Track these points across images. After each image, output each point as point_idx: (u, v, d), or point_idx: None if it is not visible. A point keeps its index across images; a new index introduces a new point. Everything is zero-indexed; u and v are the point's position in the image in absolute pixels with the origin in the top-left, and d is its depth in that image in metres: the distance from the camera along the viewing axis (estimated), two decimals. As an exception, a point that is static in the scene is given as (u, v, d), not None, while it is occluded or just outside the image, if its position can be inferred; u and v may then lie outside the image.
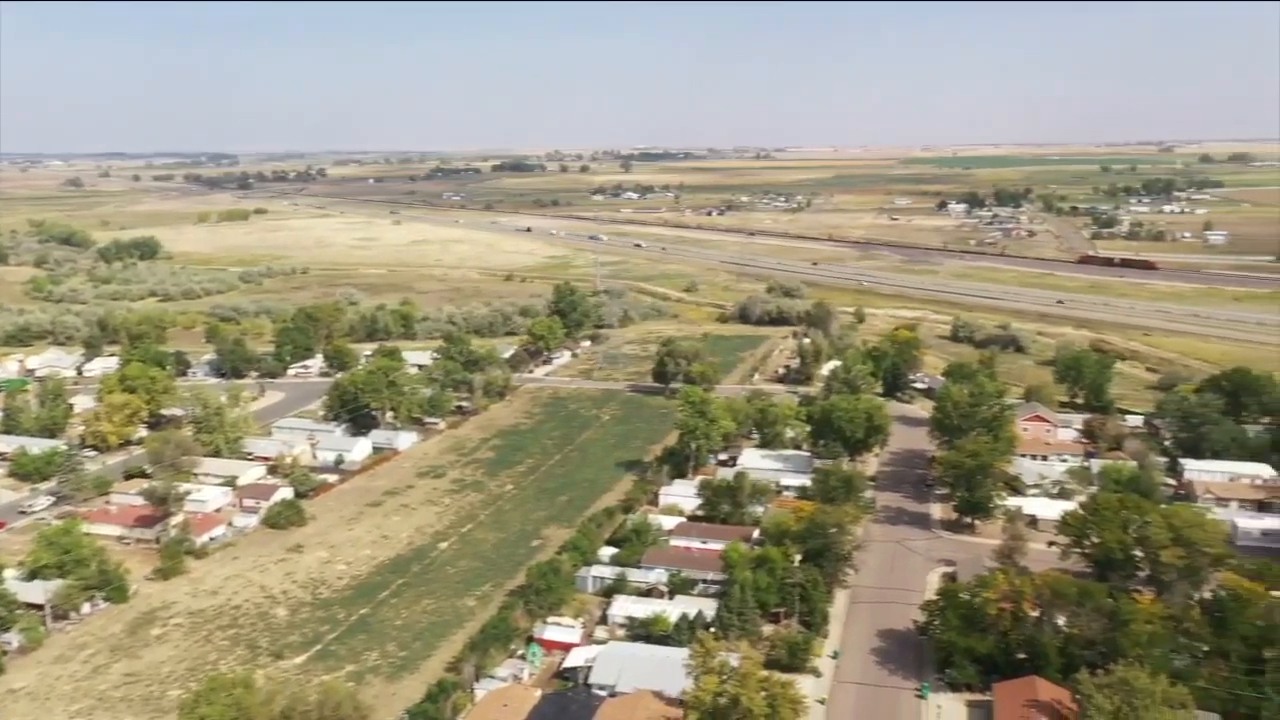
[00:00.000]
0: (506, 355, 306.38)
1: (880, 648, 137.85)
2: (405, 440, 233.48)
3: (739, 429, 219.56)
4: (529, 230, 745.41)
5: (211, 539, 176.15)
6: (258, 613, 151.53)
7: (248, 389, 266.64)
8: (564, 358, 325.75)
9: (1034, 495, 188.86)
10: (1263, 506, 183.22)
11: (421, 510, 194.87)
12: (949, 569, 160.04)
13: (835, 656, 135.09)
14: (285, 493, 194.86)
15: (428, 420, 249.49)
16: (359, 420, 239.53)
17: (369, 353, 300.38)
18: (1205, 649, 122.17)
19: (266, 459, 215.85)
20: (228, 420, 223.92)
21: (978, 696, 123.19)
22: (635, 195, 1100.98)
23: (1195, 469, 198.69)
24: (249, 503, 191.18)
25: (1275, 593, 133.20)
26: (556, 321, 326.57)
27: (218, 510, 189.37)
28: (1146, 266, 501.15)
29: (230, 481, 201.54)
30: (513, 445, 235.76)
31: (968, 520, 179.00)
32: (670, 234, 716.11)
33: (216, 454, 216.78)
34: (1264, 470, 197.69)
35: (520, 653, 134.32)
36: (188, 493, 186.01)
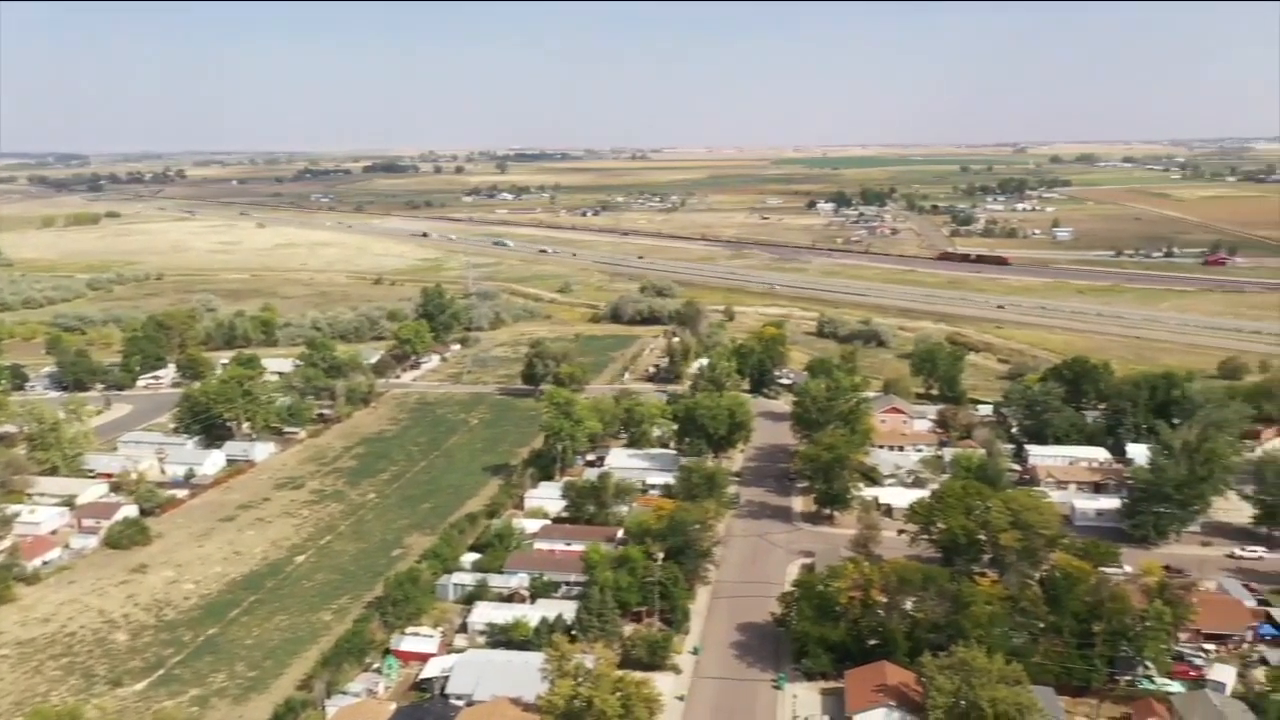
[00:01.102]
0: (372, 360, 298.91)
1: (740, 641, 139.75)
2: (262, 451, 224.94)
3: (606, 429, 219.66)
4: (425, 235, 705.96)
5: (45, 563, 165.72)
6: (95, 639, 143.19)
7: (92, 402, 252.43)
8: (432, 362, 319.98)
9: (890, 485, 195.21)
10: (1098, 488, 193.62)
11: (278, 523, 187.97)
12: (808, 560, 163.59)
13: (696, 652, 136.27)
14: (129, 511, 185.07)
15: (287, 430, 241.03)
16: (212, 432, 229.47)
17: (226, 361, 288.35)
18: (1042, 626, 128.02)
19: (109, 476, 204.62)
20: (65, 436, 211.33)
21: (832, 684, 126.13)
22: (510, 196, 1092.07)
23: (1039, 454, 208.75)
24: (89, 523, 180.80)
25: (1107, 569, 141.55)
26: (424, 325, 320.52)
27: (53, 532, 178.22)
28: (1000, 262, 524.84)
29: (68, 501, 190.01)
30: (376, 453, 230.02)
31: (827, 512, 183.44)
32: (543, 234, 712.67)
33: (54, 472, 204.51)
34: (1100, 454, 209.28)
35: (376, 666, 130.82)
36: (16, 514, 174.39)
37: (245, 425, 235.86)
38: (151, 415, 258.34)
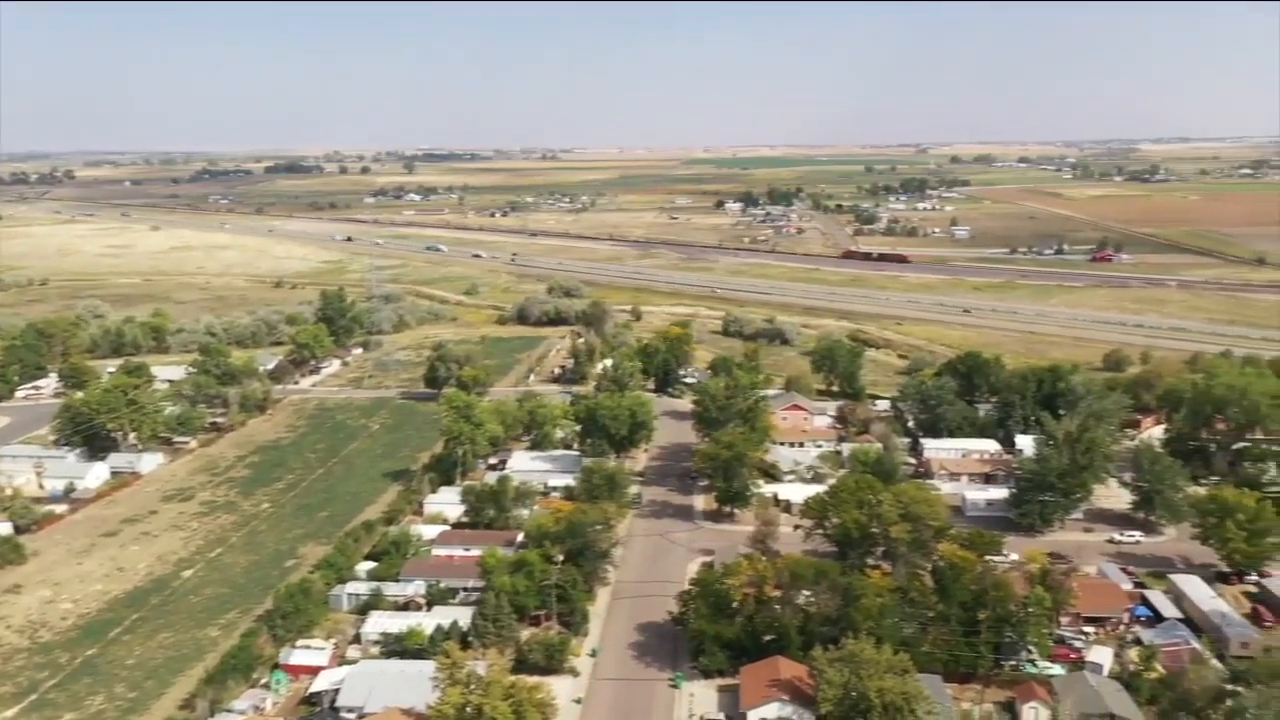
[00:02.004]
0: (269, 366, 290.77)
1: (639, 641, 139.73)
2: (149, 463, 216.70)
3: (508, 432, 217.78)
4: (349, 239, 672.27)
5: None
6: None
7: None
8: (333, 367, 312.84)
9: (790, 481, 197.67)
10: (988, 479, 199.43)
11: (165, 537, 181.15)
12: (708, 558, 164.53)
13: (594, 654, 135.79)
14: (2, 528, 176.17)
15: (177, 440, 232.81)
16: (96, 444, 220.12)
17: (113, 370, 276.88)
18: (931, 615, 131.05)
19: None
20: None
21: (729, 681, 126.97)
22: (418, 197, 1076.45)
23: (933, 447, 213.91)
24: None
25: (993, 558, 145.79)
26: (323, 329, 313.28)
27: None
28: (900, 260, 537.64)
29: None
30: (272, 461, 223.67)
31: (728, 510, 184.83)
32: (451, 235, 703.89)
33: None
34: (991, 445, 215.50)
35: (264, 682, 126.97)
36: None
37: (131, 436, 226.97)
38: (31, 427, 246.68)
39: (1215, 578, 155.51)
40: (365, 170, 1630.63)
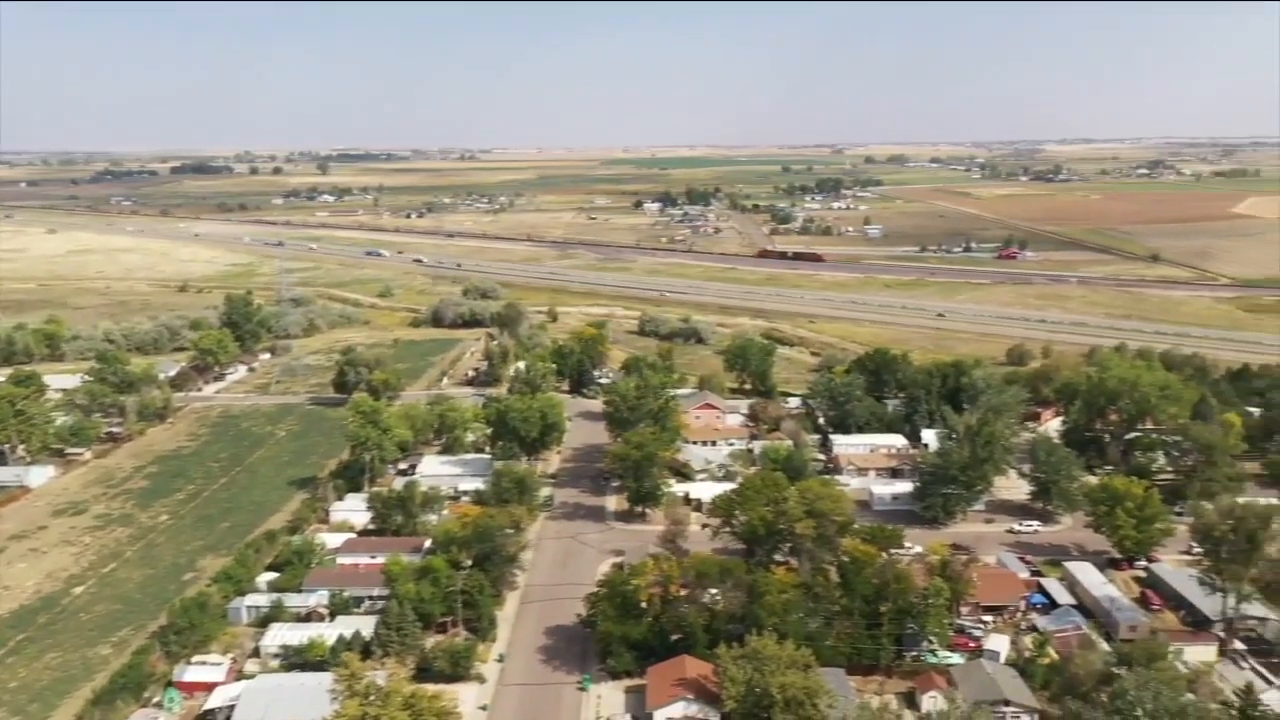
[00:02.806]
0: (171, 374, 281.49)
1: (547, 645, 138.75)
2: (39, 475, 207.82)
3: (418, 436, 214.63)
4: (280, 244, 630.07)
5: None
6: None
7: None
8: (239, 373, 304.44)
9: (702, 480, 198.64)
10: (894, 473, 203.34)
11: (55, 553, 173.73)
12: (619, 559, 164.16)
13: (501, 660, 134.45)
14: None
15: (70, 451, 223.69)
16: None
17: (1, 379, 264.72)
18: (835, 610, 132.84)
19: None
20: None
21: (636, 682, 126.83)
22: (332, 198, 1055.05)
23: (842, 443, 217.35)
24: None
25: (896, 551, 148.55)
26: (227, 334, 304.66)
27: None
28: (815, 259, 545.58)
29: None
30: (171, 471, 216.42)
31: (639, 510, 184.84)
32: (366, 237, 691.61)
33: None
34: (898, 440, 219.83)
35: (156, 700, 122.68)
36: None
37: (20, 448, 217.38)
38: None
39: (1107, 564, 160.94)
40: (277, 171, 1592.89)
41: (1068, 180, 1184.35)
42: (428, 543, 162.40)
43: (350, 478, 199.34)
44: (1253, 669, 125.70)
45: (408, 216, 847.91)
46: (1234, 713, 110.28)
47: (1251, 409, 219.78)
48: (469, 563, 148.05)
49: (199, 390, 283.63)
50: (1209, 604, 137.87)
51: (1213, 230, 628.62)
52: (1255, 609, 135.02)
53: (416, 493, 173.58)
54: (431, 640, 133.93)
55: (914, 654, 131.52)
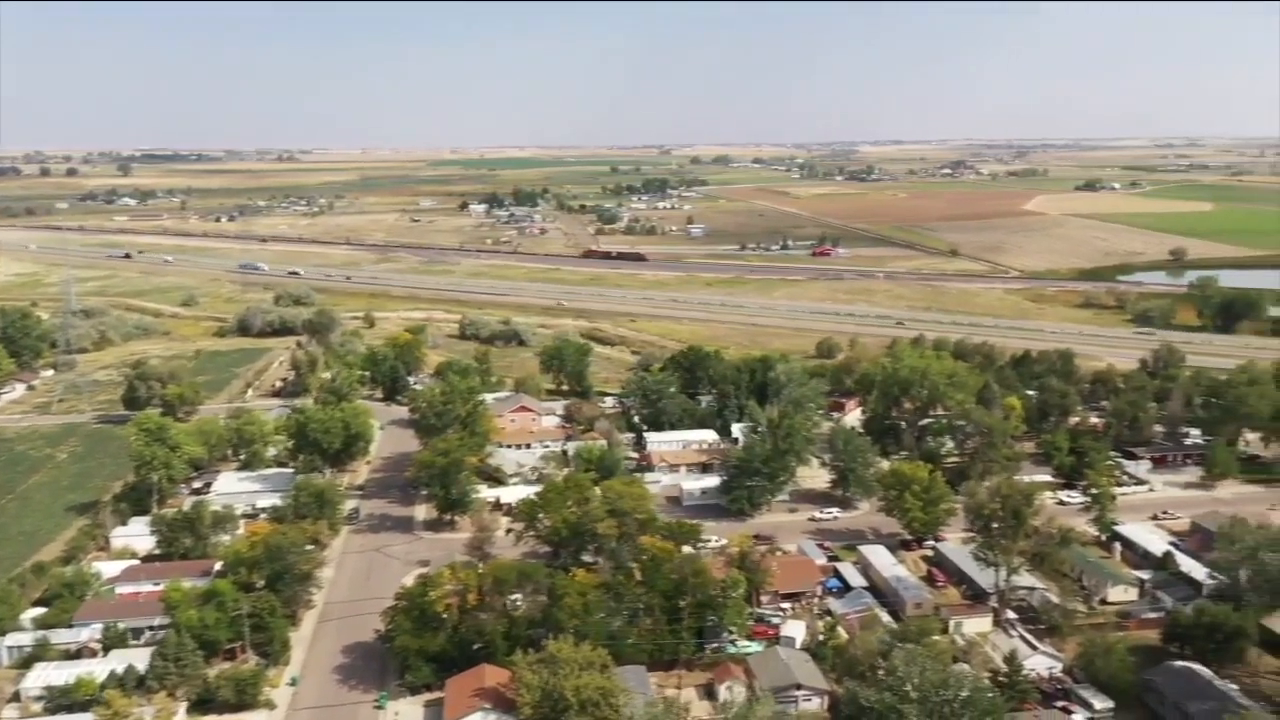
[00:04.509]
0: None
1: (345, 664, 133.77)
2: None
3: (213, 453, 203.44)
4: (128, 256, 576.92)
5: None
6: None
7: None
8: (15, 391, 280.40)
9: (515, 484, 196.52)
10: (705, 468, 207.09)
11: None
12: (425, 570, 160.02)
13: (294, 683, 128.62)
14: None
15: None
16: None
17: None
18: (638, 607, 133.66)
19: None
20: None
21: (436, 695, 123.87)
22: (133, 201, 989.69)
23: (655, 440, 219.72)
24: None
25: (700, 545, 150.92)
26: (0, 350, 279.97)
27: None
28: (638, 258, 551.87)
29: None
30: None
31: (449, 518, 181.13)
32: (172, 244, 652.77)
33: None
34: (710, 435, 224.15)
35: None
36: None
37: None
38: None
39: (899, 545, 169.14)
40: (71, 172, 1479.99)
41: (879, 180, 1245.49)
42: (218, 565, 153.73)
43: (137, 500, 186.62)
44: (1020, 636, 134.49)
45: (218, 220, 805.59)
46: (1002, 678, 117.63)
47: (1031, 392, 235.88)
48: (261, 584, 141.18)
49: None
50: (985, 578, 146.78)
51: (1005, 226, 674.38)
52: (1025, 580, 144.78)
53: (206, 513, 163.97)
54: (217, 669, 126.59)
55: (714, 646, 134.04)
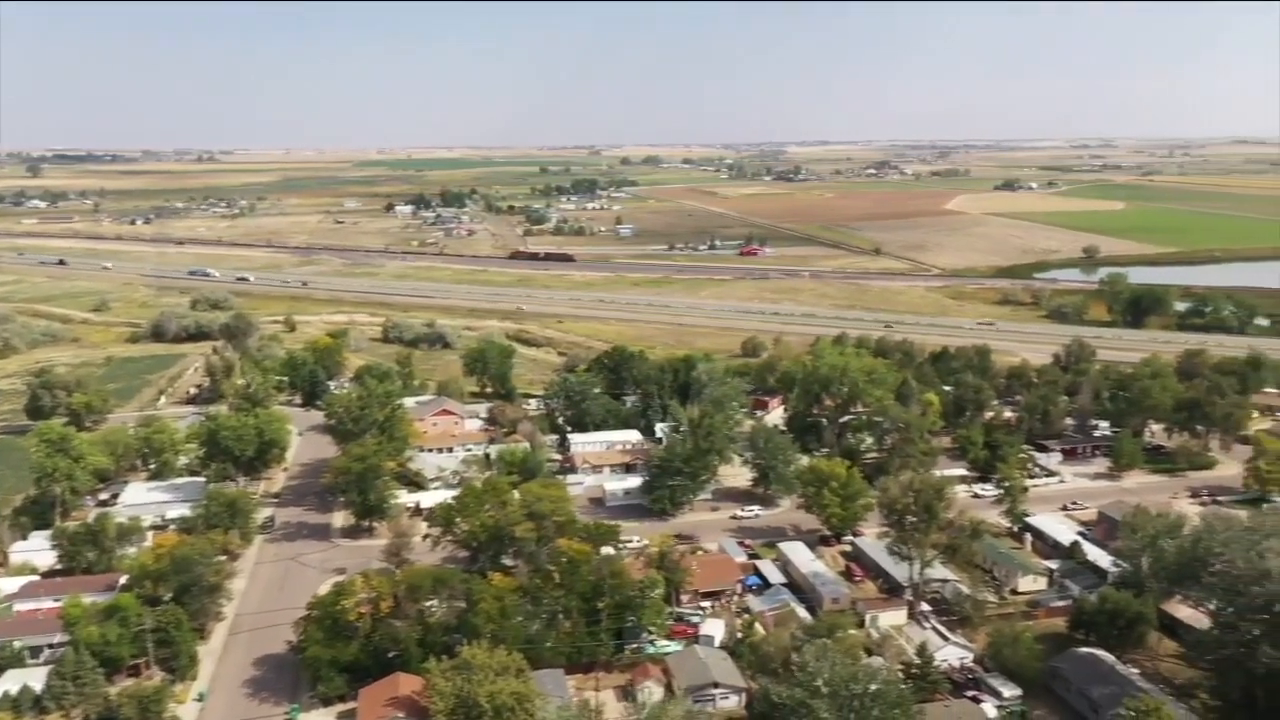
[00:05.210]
0: None
1: (256, 677, 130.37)
2: None
3: (120, 463, 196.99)
4: (62, 263, 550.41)
5: None
6: None
7: None
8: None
9: (436, 488, 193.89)
10: (628, 469, 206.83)
11: None
12: (341, 578, 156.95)
13: (201, 699, 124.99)
14: None
15: None
16: None
17: None
18: (556, 610, 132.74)
19: None
20: None
21: (349, 706, 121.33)
22: (43, 203, 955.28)
23: (579, 441, 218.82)
24: None
25: (619, 546, 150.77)
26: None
27: None
28: (565, 259, 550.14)
29: None
30: None
31: (367, 524, 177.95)
32: (83, 246, 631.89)
33: None
34: (633, 436, 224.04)
35: None
36: None
37: None
38: None
39: (819, 542, 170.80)
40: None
41: (806, 180, 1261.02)
42: (122, 579, 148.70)
43: (39, 514, 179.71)
44: (933, 628, 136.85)
45: (132, 223, 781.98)
46: (914, 670, 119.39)
47: (948, 388, 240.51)
48: (168, 597, 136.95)
49: None
50: (900, 571, 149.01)
51: (927, 225, 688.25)
52: (938, 573, 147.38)
53: (110, 525, 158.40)
54: (120, 686, 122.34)
55: (634, 646, 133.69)
